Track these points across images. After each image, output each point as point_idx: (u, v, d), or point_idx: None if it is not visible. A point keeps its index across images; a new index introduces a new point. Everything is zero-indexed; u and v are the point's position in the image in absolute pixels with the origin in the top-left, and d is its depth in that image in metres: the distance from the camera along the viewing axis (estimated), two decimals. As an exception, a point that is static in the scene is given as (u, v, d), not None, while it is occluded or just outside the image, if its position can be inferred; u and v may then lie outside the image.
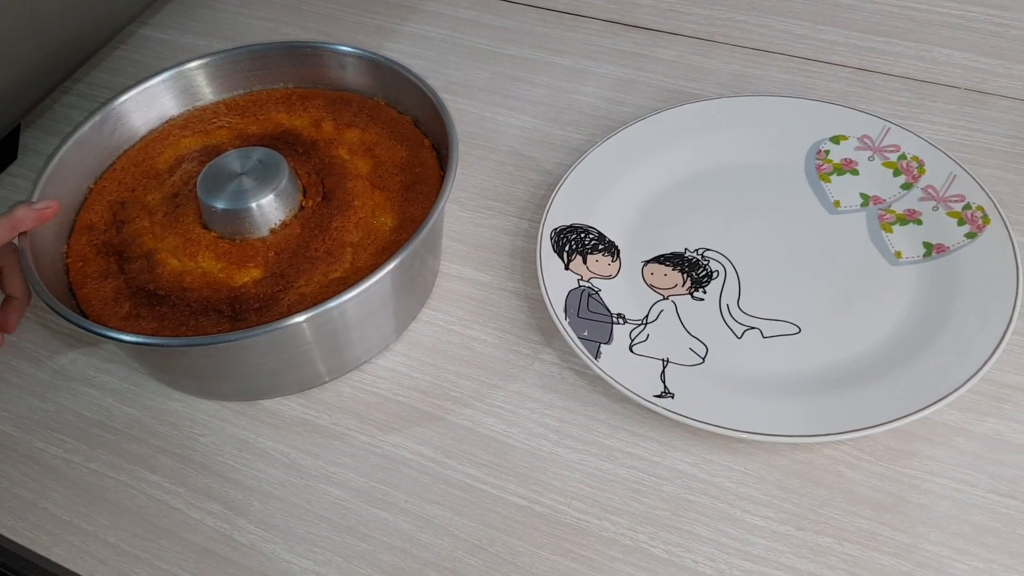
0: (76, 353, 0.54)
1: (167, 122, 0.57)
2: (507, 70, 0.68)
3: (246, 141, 0.55)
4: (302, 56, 0.58)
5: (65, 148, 0.52)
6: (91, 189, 0.54)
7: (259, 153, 0.50)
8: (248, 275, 0.48)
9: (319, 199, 0.50)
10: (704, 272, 0.53)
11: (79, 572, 0.45)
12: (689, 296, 0.52)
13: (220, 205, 0.48)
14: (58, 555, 0.45)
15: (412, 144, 0.54)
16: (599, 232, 0.54)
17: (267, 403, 0.50)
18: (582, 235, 0.54)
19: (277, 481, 0.47)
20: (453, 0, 0.74)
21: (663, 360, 0.48)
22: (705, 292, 0.52)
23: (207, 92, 0.58)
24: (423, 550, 0.44)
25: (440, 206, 0.47)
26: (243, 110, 0.58)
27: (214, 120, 0.57)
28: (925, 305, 0.50)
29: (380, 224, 0.51)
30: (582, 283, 0.52)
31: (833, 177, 0.57)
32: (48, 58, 0.65)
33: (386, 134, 0.55)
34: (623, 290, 0.52)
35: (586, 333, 0.49)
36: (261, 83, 0.59)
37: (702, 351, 0.49)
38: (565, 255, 0.53)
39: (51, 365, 0.53)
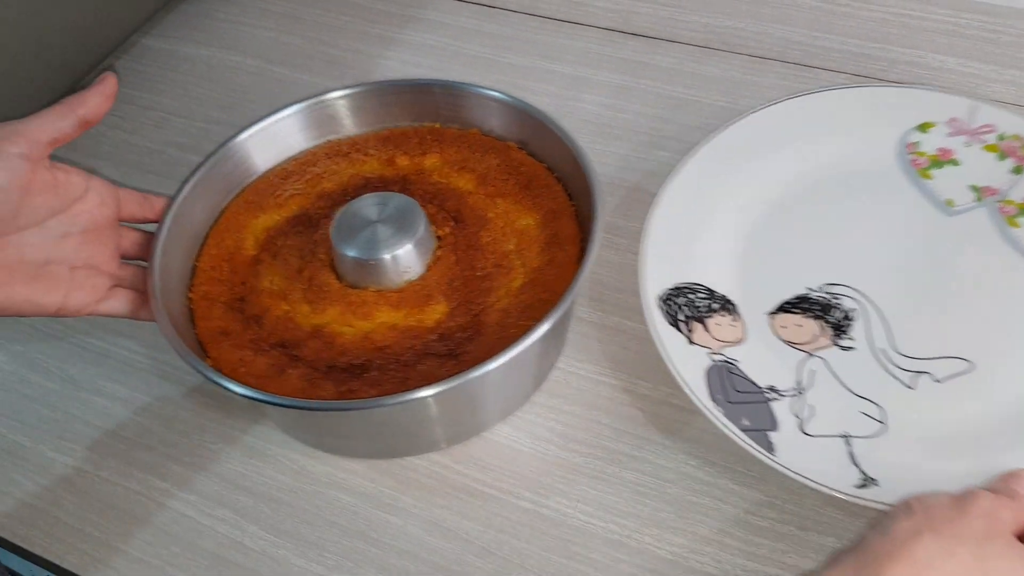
0: (85, 363, 0.54)
1: (223, 211, 0.53)
2: (508, 78, 0.68)
3: (328, 200, 0.52)
4: (349, 106, 0.55)
5: (156, 264, 0.47)
6: (191, 299, 0.49)
7: (395, 200, 0.48)
8: (436, 311, 0.46)
9: (452, 224, 0.49)
10: (840, 313, 0.46)
11: (92, 579, 0.45)
12: (835, 347, 0.45)
13: (376, 256, 0.46)
14: (70, 563, 0.46)
15: (498, 149, 0.53)
16: (707, 288, 0.47)
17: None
18: (691, 296, 0.46)
19: (287, 487, 0.48)
20: (453, 9, 0.75)
21: (844, 436, 0.41)
22: (852, 338, 0.45)
23: (258, 163, 0.54)
24: (432, 554, 0.45)
25: (593, 250, 0.45)
26: (299, 175, 0.54)
27: (278, 192, 0.54)
28: None
29: (524, 226, 0.50)
30: (714, 357, 0.44)
31: (933, 171, 0.50)
32: (51, 69, 0.66)
33: (466, 149, 0.54)
34: (759, 354, 0.44)
35: (746, 422, 0.41)
36: (300, 144, 0.55)
37: (876, 413, 0.42)
38: (682, 325, 0.45)
39: (60, 375, 0.54)
